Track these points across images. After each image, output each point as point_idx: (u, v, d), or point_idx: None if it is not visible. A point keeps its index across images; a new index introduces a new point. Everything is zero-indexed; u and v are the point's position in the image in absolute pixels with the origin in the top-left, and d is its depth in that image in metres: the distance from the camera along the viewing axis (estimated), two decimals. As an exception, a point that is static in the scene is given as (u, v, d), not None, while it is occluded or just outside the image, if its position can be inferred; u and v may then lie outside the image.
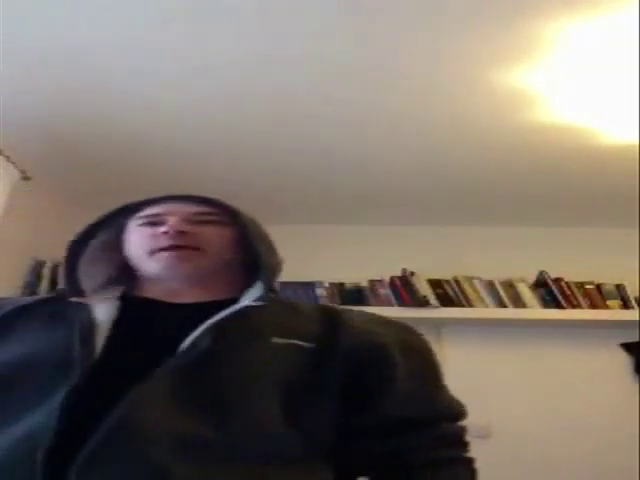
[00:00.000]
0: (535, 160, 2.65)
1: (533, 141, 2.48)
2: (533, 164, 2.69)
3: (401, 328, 1.07)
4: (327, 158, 2.69)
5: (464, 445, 1.01)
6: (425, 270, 3.16)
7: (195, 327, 0.90)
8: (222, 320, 0.91)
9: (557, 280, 3.12)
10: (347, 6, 1.75)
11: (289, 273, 3.45)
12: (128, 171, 2.73)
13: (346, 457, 0.93)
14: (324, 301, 3.04)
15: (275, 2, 1.75)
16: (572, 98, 2.17)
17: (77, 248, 1.05)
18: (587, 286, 3.12)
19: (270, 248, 1.11)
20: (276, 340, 0.92)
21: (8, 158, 2.47)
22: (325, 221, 3.30)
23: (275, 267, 1.09)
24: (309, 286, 3.11)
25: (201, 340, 0.88)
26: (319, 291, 3.11)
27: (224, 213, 1.07)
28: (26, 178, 2.58)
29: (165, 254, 0.99)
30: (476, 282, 3.15)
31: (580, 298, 3.08)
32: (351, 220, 3.30)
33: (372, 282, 3.16)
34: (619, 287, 3.13)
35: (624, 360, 3.09)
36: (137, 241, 1.04)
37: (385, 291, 3.12)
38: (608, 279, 3.14)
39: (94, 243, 1.07)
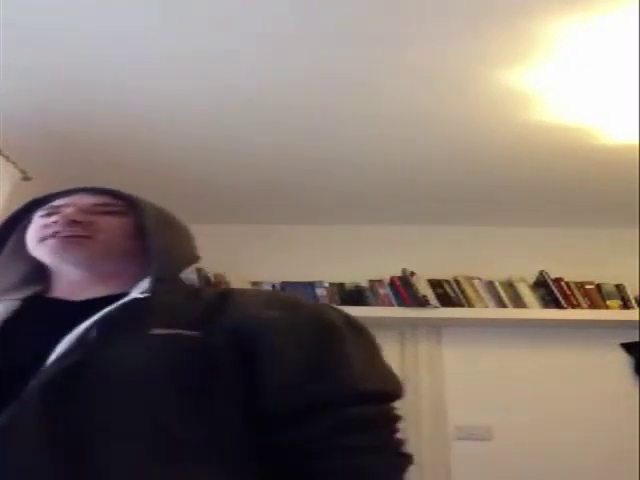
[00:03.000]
0: (535, 160, 2.65)
1: (533, 141, 2.48)
2: (533, 164, 2.69)
3: (294, 307, 0.97)
4: (327, 158, 2.69)
5: (383, 430, 0.89)
6: (425, 270, 3.16)
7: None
8: (96, 322, 0.87)
9: (557, 280, 3.12)
10: (347, 6, 1.75)
11: (289, 273, 3.48)
12: (128, 171, 2.72)
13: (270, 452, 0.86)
14: (324, 301, 3.04)
15: (276, 6, 1.75)
16: (572, 98, 2.17)
17: None
18: (587, 286, 3.12)
19: (176, 239, 1.07)
20: (156, 332, 0.87)
21: (8, 158, 2.47)
22: (325, 221, 3.30)
23: (174, 255, 1.03)
24: (309, 286, 3.11)
25: (71, 349, 0.84)
26: (319, 291, 3.11)
27: (126, 204, 1.05)
28: (26, 178, 2.58)
29: (52, 240, 0.99)
30: (476, 282, 3.15)
31: (580, 298, 3.08)
32: (351, 220, 3.30)
33: (372, 282, 3.16)
34: (619, 287, 3.13)
35: (624, 360, 3.09)
36: (32, 231, 1.03)
37: (385, 291, 3.12)
38: (608, 279, 3.14)
39: (9, 243, 1.07)
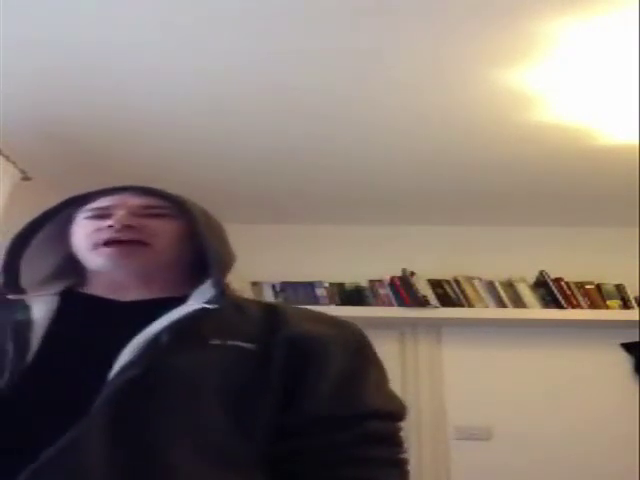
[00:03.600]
0: (535, 160, 2.65)
1: (533, 141, 2.48)
2: (533, 164, 2.69)
3: (338, 324, 1.02)
4: (327, 158, 2.69)
5: (394, 445, 0.95)
6: (425, 270, 3.16)
7: (134, 330, 0.86)
8: (168, 329, 0.87)
9: (557, 280, 3.12)
10: (347, 6, 1.75)
11: (289, 273, 3.48)
12: (129, 171, 2.72)
13: (280, 459, 0.90)
14: (324, 301, 3.05)
15: (274, 3, 1.75)
16: (572, 98, 2.17)
17: (20, 242, 1.01)
18: (587, 286, 3.13)
19: (222, 242, 1.06)
20: (215, 342, 0.89)
21: (8, 158, 2.47)
22: (325, 221, 3.30)
23: (227, 263, 1.04)
24: (309, 286, 3.11)
25: (139, 356, 0.84)
26: (319, 291, 3.11)
27: (173, 205, 1.04)
28: (26, 178, 2.58)
29: (108, 249, 0.96)
30: (476, 282, 3.15)
31: (580, 298, 3.08)
32: (351, 220, 3.30)
33: (372, 282, 3.16)
34: (619, 287, 3.13)
35: (624, 360, 3.09)
36: (82, 234, 1.00)
37: (385, 291, 3.12)
38: (608, 279, 3.14)
39: (40, 236, 1.03)
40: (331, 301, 3.06)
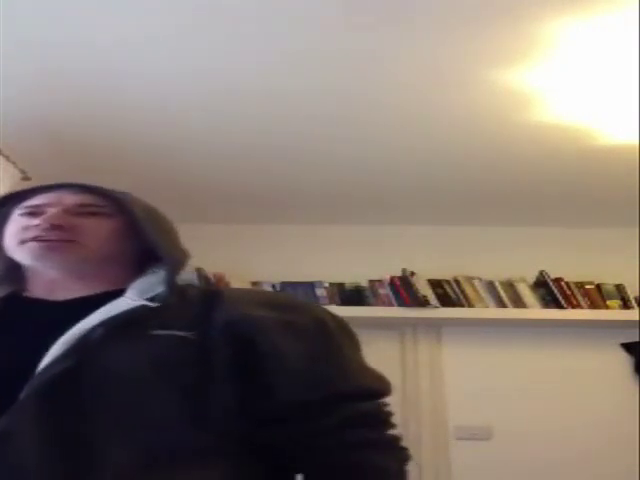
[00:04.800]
0: (535, 160, 2.65)
1: (533, 141, 2.48)
2: (533, 164, 2.69)
3: (289, 308, 0.97)
4: (327, 158, 2.69)
5: (382, 424, 0.91)
6: (425, 270, 3.16)
7: (67, 328, 0.85)
8: (102, 323, 0.86)
9: (557, 280, 3.12)
10: (348, 5, 1.75)
11: (289, 273, 3.47)
12: (128, 171, 2.72)
13: (266, 445, 0.88)
14: (324, 301, 3.04)
15: (274, 3, 1.75)
16: (572, 98, 2.17)
17: None
18: (587, 286, 3.13)
19: (170, 239, 1.03)
20: (154, 332, 0.87)
21: (8, 158, 2.47)
22: (325, 221, 3.30)
23: (178, 260, 1.01)
24: (309, 286, 3.11)
25: (71, 350, 0.83)
26: (319, 291, 3.11)
27: (113, 204, 1.01)
28: (26, 178, 2.58)
29: (33, 244, 0.94)
30: (476, 282, 3.15)
31: (580, 298, 3.08)
32: (351, 220, 3.30)
33: (372, 282, 3.16)
34: (619, 287, 3.13)
35: (624, 360, 3.09)
36: (12, 231, 0.99)
37: (385, 291, 3.12)
38: (608, 279, 3.14)
39: None
40: (331, 301, 3.05)
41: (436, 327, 3.16)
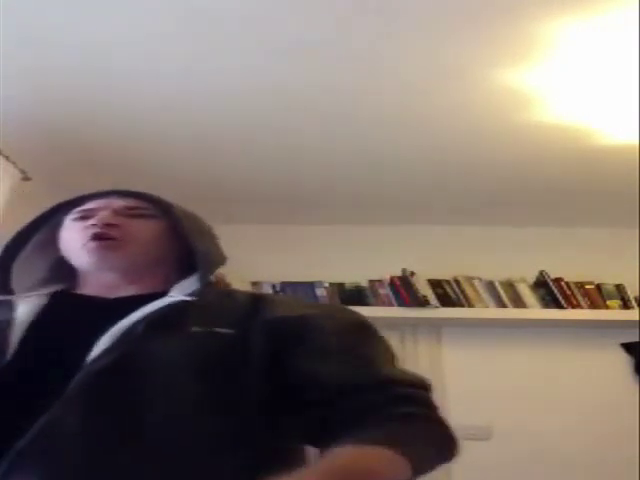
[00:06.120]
0: (535, 160, 2.65)
1: (533, 141, 2.48)
2: (533, 164, 2.69)
3: (331, 309, 1.06)
4: (328, 158, 2.69)
5: (430, 407, 0.92)
6: (425, 270, 3.16)
7: (114, 324, 0.90)
8: (144, 318, 0.91)
9: (557, 280, 3.12)
10: (348, 5, 1.75)
11: (289, 273, 3.46)
12: (129, 171, 2.72)
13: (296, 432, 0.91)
14: (324, 301, 3.04)
15: (274, 2, 1.75)
16: (572, 98, 2.17)
17: (14, 248, 1.07)
18: (587, 286, 3.13)
19: (209, 241, 1.11)
20: (195, 329, 0.92)
21: (8, 158, 2.47)
22: (325, 221, 3.30)
23: (213, 259, 1.08)
24: (309, 286, 3.11)
25: (116, 343, 0.88)
26: (319, 291, 3.11)
27: (157, 207, 1.09)
28: (26, 178, 2.58)
29: (93, 244, 1.01)
30: (476, 282, 3.15)
31: (580, 298, 3.08)
32: (351, 220, 3.30)
33: (372, 282, 3.16)
34: (619, 287, 3.13)
35: (624, 360, 3.09)
36: (70, 236, 1.06)
37: (385, 291, 3.12)
38: (608, 279, 3.14)
39: (33, 241, 1.09)
40: (331, 301, 3.05)
41: (436, 327, 3.16)
